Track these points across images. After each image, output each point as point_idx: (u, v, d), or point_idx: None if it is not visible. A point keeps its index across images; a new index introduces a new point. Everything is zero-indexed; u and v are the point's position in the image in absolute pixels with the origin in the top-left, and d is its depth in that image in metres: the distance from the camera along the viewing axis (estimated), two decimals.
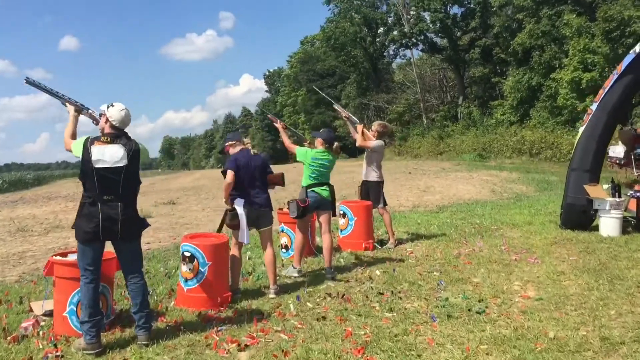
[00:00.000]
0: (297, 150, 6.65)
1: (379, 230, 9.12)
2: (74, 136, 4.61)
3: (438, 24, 39.99)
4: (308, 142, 6.88)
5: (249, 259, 7.53)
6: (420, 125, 43.33)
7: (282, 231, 7.62)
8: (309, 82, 65.70)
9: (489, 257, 7.21)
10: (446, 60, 43.03)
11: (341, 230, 8.13)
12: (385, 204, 8.23)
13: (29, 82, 4.71)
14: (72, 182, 52.15)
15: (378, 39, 50.94)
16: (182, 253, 5.50)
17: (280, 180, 6.05)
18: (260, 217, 5.84)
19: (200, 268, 5.39)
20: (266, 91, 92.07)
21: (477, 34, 38.84)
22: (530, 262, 6.86)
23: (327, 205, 6.60)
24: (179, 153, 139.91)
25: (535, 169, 23.77)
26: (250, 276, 6.61)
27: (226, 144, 5.97)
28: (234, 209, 5.72)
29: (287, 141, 6.86)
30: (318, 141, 6.65)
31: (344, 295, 5.67)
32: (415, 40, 43.71)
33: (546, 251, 7.46)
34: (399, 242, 8.33)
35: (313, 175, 6.51)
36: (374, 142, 7.97)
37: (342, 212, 8.08)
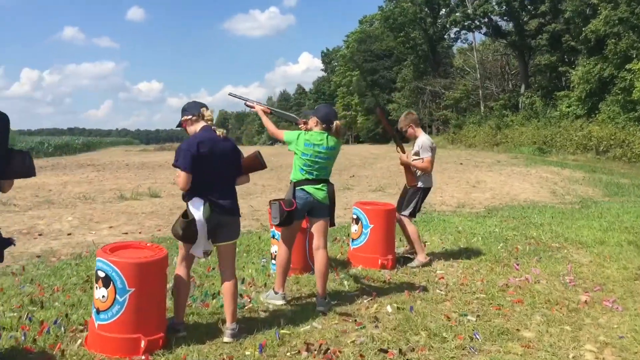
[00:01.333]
0: (285, 134, 4.85)
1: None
2: None
3: (504, 6, 37.19)
4: (303, 121, 5.06)
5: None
6: (478, 114, 40.74)
7: (274, 237, 5.84)
8: (365, 62, 63.67)
9: (548, 294, 5.24)
10: (510, 46, 40.23)
11: (353, 240, 6.28)
12: (413, 214, 6.33)
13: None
14: (121, 150, 51.95)
15: (439, 21, 48.30)
16: (96, 272, 3.80)
17: (257, 163, 4.26)
18: (222, 226, 4.07)
19: (117, 296, 3.69)
20: (322, 70, 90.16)
21: (546, 19, 35.76)
22: (607, 307, 4.88)
23: (323, 210, 4.78)
24: (233, 128, 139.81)
25: (602, 168, 21.14)
26: (214, 301, 4.85)
27: (183, 118, 4.20)
28: (188, 215, 3.98)
29: (270, 126, 5.05)
30: (312, 120, 4.83)
31: (327, 350, 3.85)
32: (478, 23, 40.97)
33: (628, 290, 5.44)
34: (430, 258, 6.39)
35: (305, 168, 4.71)
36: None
37: (354, 217, 6.23)
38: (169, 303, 4.22)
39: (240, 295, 4.95)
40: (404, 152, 6.26)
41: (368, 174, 19.15)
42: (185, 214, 3.98)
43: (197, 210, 3.95)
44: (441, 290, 5.31)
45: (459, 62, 48.87)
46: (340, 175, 18.78)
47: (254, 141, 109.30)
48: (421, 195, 6.28)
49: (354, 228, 6.23)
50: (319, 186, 4.70)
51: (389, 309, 4.75)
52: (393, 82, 56.98)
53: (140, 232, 8.03)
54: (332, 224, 4.94)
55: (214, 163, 3.99)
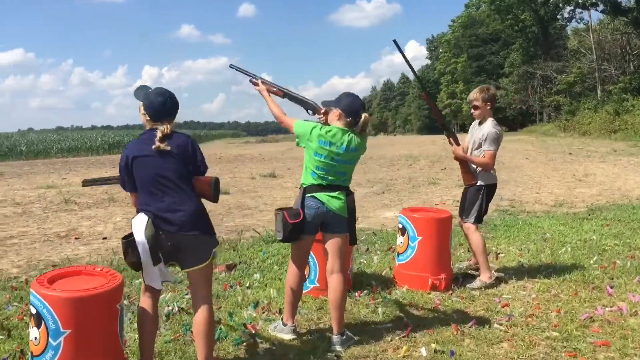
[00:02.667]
0: (297, 125, 3.86)
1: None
2: None
3: None
4: (322, 111, 4.03)
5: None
6: (594, 99, 37.50)
7: None
8: (471, 48, 60.99)
9: None
10: (632, 24, 36.59)
11: (398, 255, 5.19)
12: (479, 220, 5.15)
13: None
14: (225, 143, 52.97)
15: (551, 0, 44.95)
16: (29, 307, 3.05)
17: (207, 191, 3.29)
18: (181, 247, 3.17)
19: (50, 339, 2.91)
20: (426, 57, 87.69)
21: None
22: None
23: (340, 223, 3.77)
24: None
25: None
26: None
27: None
28: (129, 235, 3.14)
29: (276, 110, 4.06)
30: (334, 113, 3.81)
31: None
32: (595, 0, 37.58)
33: None
34: (497, 277, 5.19)
35: (318, 172, 3.72)
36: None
37: (400, 226, 5.14)
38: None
39: (244, 325, 4.06)
40: (458, 143, 5.10)
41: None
42: (129, 235, 3.14)
43: (138, 229, 3.09)
44: (501, 325, 4.13)
45: (573, 43, 45.46)
46: (431, 168, 17.52)
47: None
48: (485, 195, 5.10)
49: (400, 240, 5.15)
50: (334, 194, 3.70)
51: (423, 352, 3.67)
52: (500, 68, 54.22)
53: None
54: (354, 241, 3.92)
55: (150, 167, 3.13)
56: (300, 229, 3.72)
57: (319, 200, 3.70)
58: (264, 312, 4.40)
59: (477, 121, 5.18)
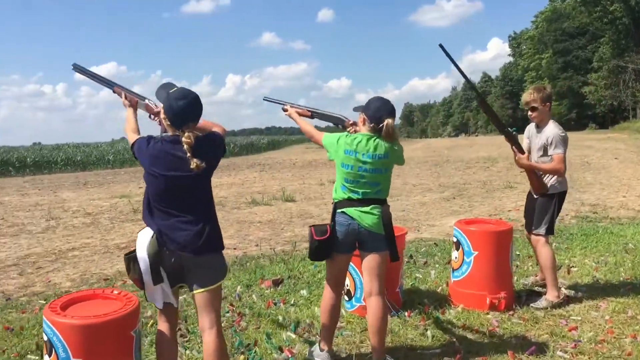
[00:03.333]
0: (325, 137, 3.59)
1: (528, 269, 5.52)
2: None
3: None
4: (351, 123, 3.76)
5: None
6: None
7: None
8: (556, 43, 58.54)
9: None
10: None
11: (453, 271, 4.79)
12: (551, 231, 4.68)
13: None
14: (302, 148, 53.23)
15: None
16: (43, 333, 2.94)
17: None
18: (188, 268, 2.95)
19: None
20: (509, 55, 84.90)
21: None
22: None
23: (376, 241, 3.44)
24: (418, 120, 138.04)
25: None
26: (241, 357, 3.76)
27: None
28: (132, 252, 2.97)
29: (306, 127, 3.83)
30: (360, 119, 3.52)
31: None
32: None
33: None
34: (566, 296, 4.70)
35: (348, 185, 3.43)
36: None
37: (455, 240, 4.74)
38: None
39: (280, 348, 3.81)
40: (522, 151, 4.65)
41: None
42: (132, 250, 2.97)
43: (141, 244, 2.90)
44: (565, 352, 3.68)
45: None
46: (509, 170, 16.73)
47: (438, 133, 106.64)
48: (556, 204, 4.62)
49: (454, 255, 4.74)
50: (367, 209, 3.39)
51: None
52: (589, 62, 51.67)
53: (235, 249, 7.20)
54: (395, 257, 3.57)
55: (162, 175, 2.92)
56: (329, 246, 3.44)
57: (349, 216, 3.40)
58: (304, 334, 4.12)
59: (532, 124, 4.72)
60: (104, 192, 14.88)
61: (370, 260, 3.47)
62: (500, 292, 4.48)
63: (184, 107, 2.84)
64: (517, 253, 6.16)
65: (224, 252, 3.04)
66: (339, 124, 3.85)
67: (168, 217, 2.92)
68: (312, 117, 3.91)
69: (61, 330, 2.76)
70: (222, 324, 4.21)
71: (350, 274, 4.53)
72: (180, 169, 2.81)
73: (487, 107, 4.61)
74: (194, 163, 2.78)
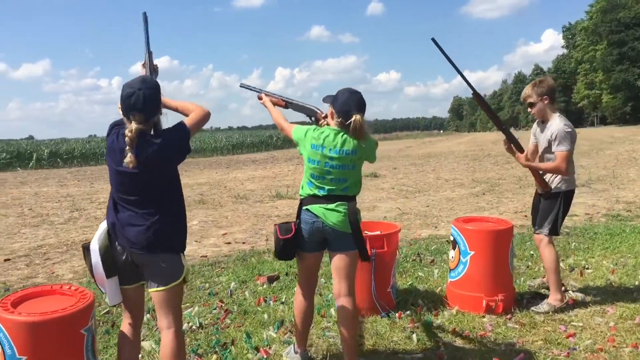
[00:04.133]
0: (295, 130, 3.41)
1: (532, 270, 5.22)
2: None
3: None
4: (323, 116, 3.57)
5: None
6: None
7: None
8: (611, 34, 56.54)
9: None
10: None
11: (450, 271, 4.57)
12: (555, 231, 4.40)
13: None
14: None
15: None
16: None
17: None
18: (141, 266, 2.85)
19: None
20: (563, 47, 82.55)
21: None
22: None
23: (343, 239, 3.25)
24: (467, 114, 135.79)
25: None
26: (213, 357, 3.66)
27: None
28: (88, 242, 2.89)
29: (278, 118, 3.63)
30: (329, 112, 3.34)
31: None
32: None
33: None
34: (569, 301, 4.43)
35: (314, 180, 3.26)
36: None
37: (452, 238, 4.52)
38: None
39: (256, 349, 3.69)
40: (521, 150, 4.40)
41: (587, 164, 16.15)
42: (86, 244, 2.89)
43: (96, 235, 2.81)
44: None
45: None
46: None
47: (487, 127, 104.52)
48: (562, 203, 4.35)
49: (451, 254, 4.52)
50: (332, 206, 3.21)
51: None
52: None
53: (244, 243, 7.11)
54: (365, 257, 3.38)
55: (115, 175, 2.83)
56: (294, 245, 3.29)
57: (313, 214, 3.23)
58: (286, 333, 3.99)
59: (537, 121, 4.46)
60: None
61: (338, 261, 3.30)
62: (497, 294, 4.24)
63: (125, 97, 2.70)
64: (531, 253, 5.88)
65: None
66: (311, 116, 3.67)
67: (124, 211, 2.83)
68: (286, 107, 3.73)
69: (7, 327, 2.69)
70: (207, 321, 4.16)
71: None
72: (122, 162, 2.70)
73: (483, 102, 4.36)
74: (128, 158, 2.65)
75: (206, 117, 3.01)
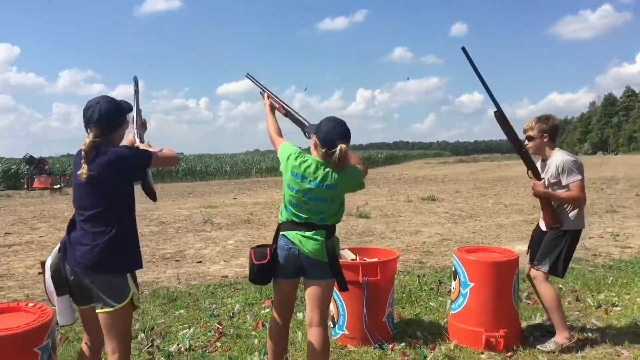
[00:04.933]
0: (282, 147, 3.32)
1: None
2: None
3: None
4: (311, 138, 3.46)
5: None
6: None
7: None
8: None
9: None
10: None
11: (452, 303, 4.35)
12: (556, 271, 4.10)
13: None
14: (420, 163, 52.36)
15: None
16: None
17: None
18: (84, 286, 2.85)
19: None
20: None
21: None
22: None
23: (318, 268, 3.15)
24: None
25: None
26: None
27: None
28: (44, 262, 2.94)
29: (271, 128, 3.54)
30: (312, 142, 3.23)
31: None
32: None
33: None
34: (578, 338, 4.12)
35: (291, 207, 3.18)
36: None
37: (453, 270, 4.31)
38: None
39: None
40: (539, 177, 4.15)
41: None
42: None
43: (49, 257, 2.85)
44: None
45: None
46: (624, 193, 15.34)
47: (574, 150, 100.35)
48: (568, 243, 4.06)
49: (453, 285, 4.31)
50: (309, 234, 3.11)
51: None
52: None
53: None
54: (343, 287, 3.26)
55: (74, 189, 2.87)
56: (269, 271, 3.21)
57: (290, 240, 3.15)
58: None
59: (540, 161, 4.22)
60: (197, 202, 15.43)
61: (312, 290, 3.19)
62: (498, 330, 3.99)
63: (84, 110, 2.81)
64: (560, 286, 5.52)
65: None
66: (303, 130, 3.57)
67: (77, 230, 2.86)
68: (285, 115, 3.65)
69: None
70: (198, 343, 4.15)
71: (334, 300, 4.25)
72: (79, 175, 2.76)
73: (505, 123, 4.13)
74: (81, 169, 2.70)
75: (175, 160, 3.13)
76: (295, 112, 3.67)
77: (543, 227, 4.19)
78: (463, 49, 3.94)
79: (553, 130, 4.08)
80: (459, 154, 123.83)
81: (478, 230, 9.56)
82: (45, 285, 2.90)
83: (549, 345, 4.00)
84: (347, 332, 4.18)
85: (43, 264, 2.91)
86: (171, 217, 11.78)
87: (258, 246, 3.32)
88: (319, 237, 3.10)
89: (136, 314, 4.87)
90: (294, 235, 3.13)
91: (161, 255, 7.78)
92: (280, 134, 3.50)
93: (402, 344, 4.11)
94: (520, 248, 7.52)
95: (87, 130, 2.80)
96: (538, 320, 4.55)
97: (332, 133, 3.07)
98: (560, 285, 5.51)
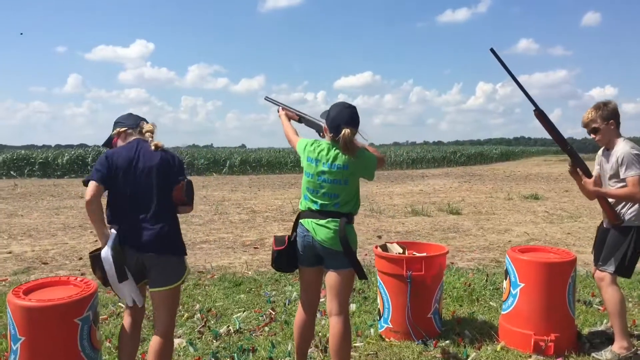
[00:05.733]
0: (298, 144, 3.40)
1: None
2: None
3: None
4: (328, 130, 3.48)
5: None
6: None
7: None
8: None
9: None
10: None
11: (503, 303, 4.17)
12: (622, 272, 3.84)
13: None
14: (537, 161, 49.97)
15: None
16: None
17: (181, 195, 3.12)
18: (148, 267, 3.06)
19: (12, 344, 3.10)
20: None
21: None
22: None
23: (335, 257, 3.16)
24: None
25: None
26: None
27: (115, 131, 3.32)
28: (97, 250, 3.13)
29: (286, 128, 3.62)
30: (324, 127, 3.28)
31: None
32: None
33: None
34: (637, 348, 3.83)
35: (309, 194, 3.23)
36: None
37: (505, 269, 4.13)
38: None
39: (270, 358, 3.73)
40: (588, 175, 3.89)
41: None
42: (97, 249, 3.12)
43: (108, 245, 3.05)
44: None
45: None
46: None
47: None
48: (635, 240, 3.78)
49: (504, 285, 4.14)
50: (322, 222, 3.13)
51: None
52: None
53: None
54: (362, 275, 3.24)
55: (129, 182, 3.03)
56: (291, 257, 3.28)
57: (305, 228, 3.19)
58: (310, 348, 3.94)
59: (601, 149, 3.93)
60: (294, 193, 15.73)
61: (330, 279, 3.22)
62: (549, 334, 3.79)
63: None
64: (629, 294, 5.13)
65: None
66: (319, 132, 3.62)
67: (133, 216, 3.11)
68: (299, 121, 3.73)
69: (12, 310, 3.05)
70: (248, 326, 4.29)
71: (380, 294, 4.24)
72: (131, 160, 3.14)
73: (546, 122, 3.91)
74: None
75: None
76: (309, 117, 3.71)
77: (606, 225, 3.93)
78: (492, 50, 3.77)
79: (616, 115, 3.80)
80: (586, 152, 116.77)
81: (574, 232, 9.05)
82: (100, 272, 3.09)
83: (605, 354, 3.75)
84: (391, 326, 4.14)
85: (94, 256, 3.10)
86: (264, 207, 12.13)
87: (279, 235, 3.39)
88: (331, 226, 3.11)
89: (199, 295, 5.14)
90: (309, 222, 3.17)
91: (242, 242, 8.05)
92: (295, 133, 3.57)
93: (447, 341, 4.01)
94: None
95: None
96: (602, 327, 4.25)
97: (337, 118, 3.11)
98: (628, 291, 5.13)
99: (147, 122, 3.27)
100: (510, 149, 57.62)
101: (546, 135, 3.94)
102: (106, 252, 3.02)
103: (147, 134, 3.19)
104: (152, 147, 3.08)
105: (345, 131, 3.05)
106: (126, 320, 3.25)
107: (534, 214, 11.31)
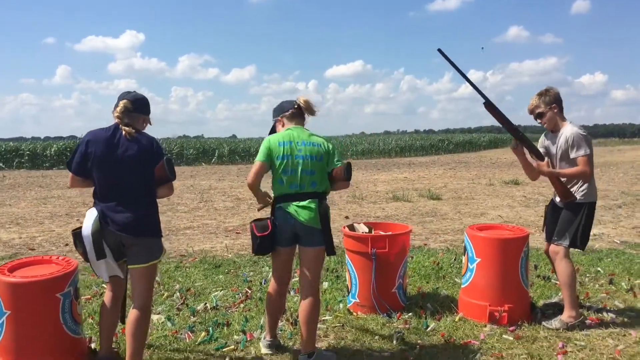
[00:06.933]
0: (257, 158, 3.55)
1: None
2: None
3: None
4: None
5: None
6: None
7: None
8: None
9: None
10: None
11: (462, 277, 4.46)
12: (576, 244, 4.13)
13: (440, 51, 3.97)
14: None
15: None
16: None
17: (163, 172, 3.34)
18: (127, 246, 3.29)
19: None
20: None
21: None
22: None
23: (313, 235, 3.44)
24: None
25: None
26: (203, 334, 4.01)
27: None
28: (78, 229, 3.36)
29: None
30: (277, 125, 3.78)
31: None
32: None
33: None
34: (584, 318, 4.12)
35: (284, 177, 3.46)
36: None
37: (464, 245, 4.41)
38: None
39: (243, 331, 3.99)
40: (541, 157, 4.15)
41: None
42: (78, 227, 3.35)
43: (87, 223, 3.28)
44: None
45: None
46: None
47: None
48: (585, 214, 4.06)
49: (462, 261, 4.42)
50: (303, 203, 3.40)
51: None
52: None
53: None
54: (331, 251, 3.52)
55: (109, 164, 3.25)
56: (270, 241, 3.51)
57: (287, 211, 3.44)
58: (281, 321, 4.21)
59: (545, 133, 4.22)
60: None
61: (305, 254, 3.49)
62: (503, 305, 4.07)
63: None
64: (599, 270, 5.43)
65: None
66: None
67: (112, 199, 3.31)
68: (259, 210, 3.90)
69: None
70: (224, 304, 4.54)
71: (348, 271, 4.50)
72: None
73: (496, 112, 4.14)
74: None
75: None
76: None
77: (558, 203, 4.20)
78: (439, 50, 3.99)
79: (558, 100, 4.07)
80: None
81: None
82: (81, 248, 3.31)
83: (554, 323, 4.03)
84: (358, 300, 4.41)
85: (75, 234, 3.32)
86: (249, 194, 12.35)
87: (258, 219, 3.60)
88: (312, 206, 3.38)
89: (179, 276, 5.38)
90: (290, 206, 3.41)
91: (225, 227, 8.29)
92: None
93: (410, 314, 4.29)
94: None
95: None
96: (555, 299, 4.54)
97: (284, 104, 3.65)
98: (599, 269, 5.42)
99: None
100: (499, 137, 57.89)
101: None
102: (87, 230, 3.24)
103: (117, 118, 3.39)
104: (126, 134, 3.29)
105: (301, 98, 3.64)
106: (107, 296, 3.48)
107: (512, 198, 11.61)
